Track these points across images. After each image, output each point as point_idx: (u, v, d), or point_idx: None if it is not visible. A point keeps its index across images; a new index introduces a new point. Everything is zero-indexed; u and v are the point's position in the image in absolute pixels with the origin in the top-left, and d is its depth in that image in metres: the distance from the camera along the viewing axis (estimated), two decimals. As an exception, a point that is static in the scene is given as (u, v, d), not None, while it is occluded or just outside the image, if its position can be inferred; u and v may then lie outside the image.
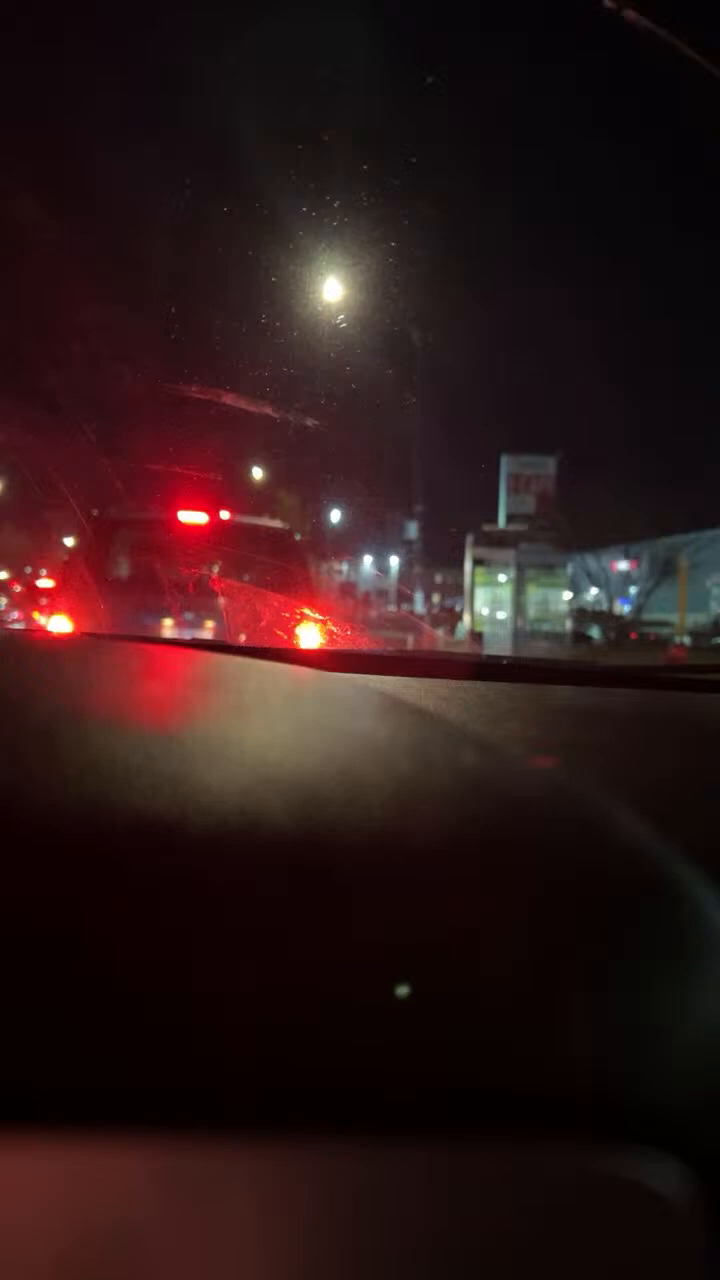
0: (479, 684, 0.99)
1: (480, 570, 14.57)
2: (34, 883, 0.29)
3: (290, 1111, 0.28)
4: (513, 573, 14.85)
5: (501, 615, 14.85)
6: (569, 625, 16.50)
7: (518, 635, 14.73)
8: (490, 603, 14.90)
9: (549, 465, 14.96)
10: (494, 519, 14.65)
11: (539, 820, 0.38)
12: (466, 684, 0.99)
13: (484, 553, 14.71)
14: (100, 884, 0.30)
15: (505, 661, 1.21)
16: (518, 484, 14.71)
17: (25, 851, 0.30)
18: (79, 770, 0.34)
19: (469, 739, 0.49)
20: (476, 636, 13.66)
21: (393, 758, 0.41)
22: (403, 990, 0.29)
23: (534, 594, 15.69)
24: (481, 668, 1.08)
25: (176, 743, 0.38)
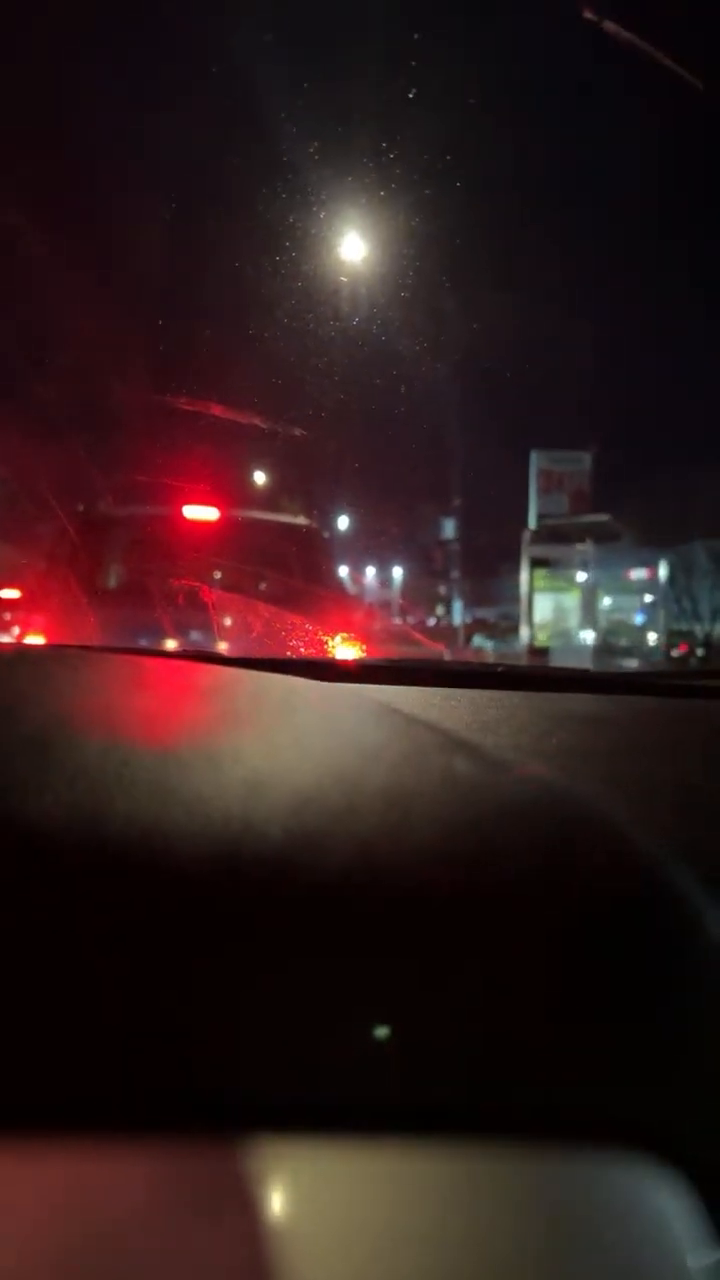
0: (474, 692, 1.05)
1: (540, 573, 14.04)
2: (27, 890, 0.32)
3: (289, 1116, 0.32)
4: (587, 575, 14.23)
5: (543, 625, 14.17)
6: (660, 639, 15.73)
7: (599, 651, 13.97)
8: (553, 611, 14.37)
9: (584, 461, 14.28)
10: (523, 522, 14.08)
11: (535, 827, 0.41)
12: (461, 692, 1.05)
13: (546, 551, 14.15)
14: (94, 893, 0.32)
15: (500, 669, 1.29)
16: (549, 481, 14.12)
17: (17, 860, 0.33)
18: (70, 779, 0.37)
19: (464, 746, 0.52)
20: (538, 653, 13.10)
21: (388, 766, 0.44)
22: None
23: (602, 602, 14.99)
24: (477, 676, 1.16)
25: (171, 753, 0.41)
